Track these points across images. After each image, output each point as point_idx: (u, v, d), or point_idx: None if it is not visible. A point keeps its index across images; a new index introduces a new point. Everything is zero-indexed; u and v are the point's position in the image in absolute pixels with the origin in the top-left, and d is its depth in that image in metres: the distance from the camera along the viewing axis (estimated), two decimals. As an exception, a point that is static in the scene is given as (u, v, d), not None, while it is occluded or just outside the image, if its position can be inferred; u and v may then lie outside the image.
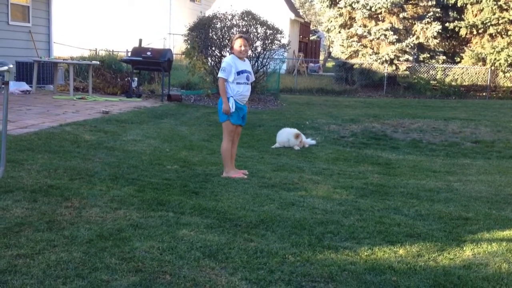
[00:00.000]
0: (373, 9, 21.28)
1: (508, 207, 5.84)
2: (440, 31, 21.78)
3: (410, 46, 21.54)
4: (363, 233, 4.72)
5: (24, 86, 13.68)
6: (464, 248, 4.47)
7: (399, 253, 4.30)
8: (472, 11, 22.11)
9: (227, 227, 4.64)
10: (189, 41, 15.68)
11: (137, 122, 10.34)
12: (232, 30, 15.41)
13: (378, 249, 4.34)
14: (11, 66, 6.23)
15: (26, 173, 5.83)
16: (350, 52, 22.56)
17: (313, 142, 9.88)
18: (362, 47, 22.24)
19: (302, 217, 5.07)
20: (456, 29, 22.19)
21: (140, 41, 15.06)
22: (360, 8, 21.48)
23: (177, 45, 25.35)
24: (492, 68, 21.65)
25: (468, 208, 5.75)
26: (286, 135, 9.29)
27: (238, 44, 6.53)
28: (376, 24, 21.80)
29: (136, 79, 15.44)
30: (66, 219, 4.51)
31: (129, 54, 15.51)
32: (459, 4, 21.98)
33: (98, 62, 15.44)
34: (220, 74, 6.55)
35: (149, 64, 14.33)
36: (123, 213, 4.75)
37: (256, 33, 15.54)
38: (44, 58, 14.54)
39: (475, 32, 22.16)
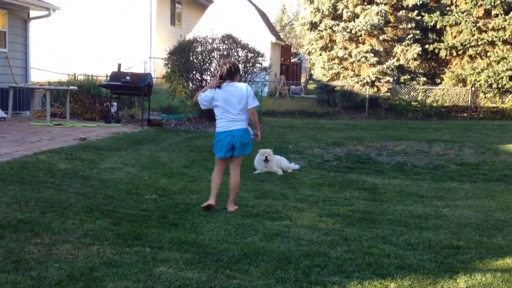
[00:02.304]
0: (353, 32, 21.34)
1: (499, 234, 5.67)
2: (420, 53, 21.88)
3: (390, 68, 21.59)
4: (351, 266, 4.49)
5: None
6: (458, 280, 4.27)
7: (390, 287, 4.08)
8: (451, 33, 22.29)
9: (208, 262, 4.38)
10: (169, 65, 15.48)
11: (115, 148, 10.03)
12: (212, 53, 15.26)
13: (368, 283, 4.12)
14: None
15: (-5, 207, 5.51)
16: (331, 75, 22.53)
17: (297, 166, 9.66)
18: (343, 69, 22.24)
19: (287, 250, 4.82)
20: (436, 50, 22.34)
21: (119, 65, 14.82)
22: (340, 31, 21.53)
23: (158, 69, 25.14)
24: (473, 89, 21.77)
25: (459, 235, 5.56)
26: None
27: None
28: (357, 47, 21.86)
29: (115, 104, 15.14)
30: (34, 258, 4.20)
31: (109, 78, 15.24)
32: (438, 26, 22.14)
33: (76, 87, 15.12)
34: (257, 102, 6.28)
35: (128, 88, 14.07)
36: (96, 250, 4.46)
37: (237, 57, 15.40)
38: (20, 83, 14.21)
39: (454, 54, 22.32)
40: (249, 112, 6.18)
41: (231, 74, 6.13)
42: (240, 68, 6.24)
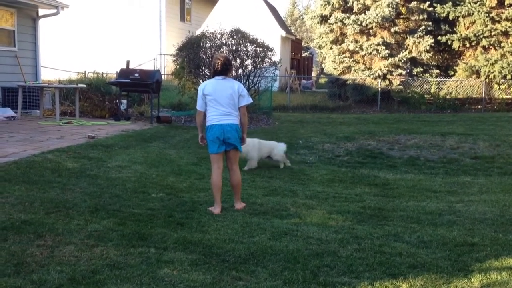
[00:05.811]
0: (364, 24, 21.08)
1: (515, 230, 5.48)
2: (432, 44, 21.56)
3: (403, 61, 21.30)
4: (362, 265, 4.35)
5: (9, 112, 13.31)
6: (472, 280, 4.11)
7: (402, 287, 3.93)
8: (464, 24, 21.94)
9: (214, 263, 4.26)
10: (178, 61, 15.37)
11: (124, 146, 9.96)
12: (221, 49, 15.12)
13: (379, 284, 3.97)
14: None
15: (-1, 208, 5.44)
16: (342, 68, 22.30)
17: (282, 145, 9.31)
18: (355, 62, 22.00)
19: (296, 249, 4.69)
20: (449, 42, 22.00)
21: (128, 62, 14.75)
22: (351, 24, 21.27)
23: (168, 66, 25.09)
24: (487, 80, 21.43)
25: (473, 232, 5.38)
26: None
27: None
28: (368, 39, 21.59)
29: (124, 101, 15.08)
30: (36, 260, 4.11)
31: (117, 76, 15.18)
32: (450, 17, 21.80)
33: (85, 86, 15.08)
34: (250, 100, 6.10)
35: (137, 86, 13.99)
36: (100, 251, 4.36)
37: (246, 51, 15.24)
38: (28, 82, 14.19)
39: (468, 45, 21.97)
40: (241, 112, 5.99)
41: (225, 71, 5.91)
42: (232, 62, 6.03)
